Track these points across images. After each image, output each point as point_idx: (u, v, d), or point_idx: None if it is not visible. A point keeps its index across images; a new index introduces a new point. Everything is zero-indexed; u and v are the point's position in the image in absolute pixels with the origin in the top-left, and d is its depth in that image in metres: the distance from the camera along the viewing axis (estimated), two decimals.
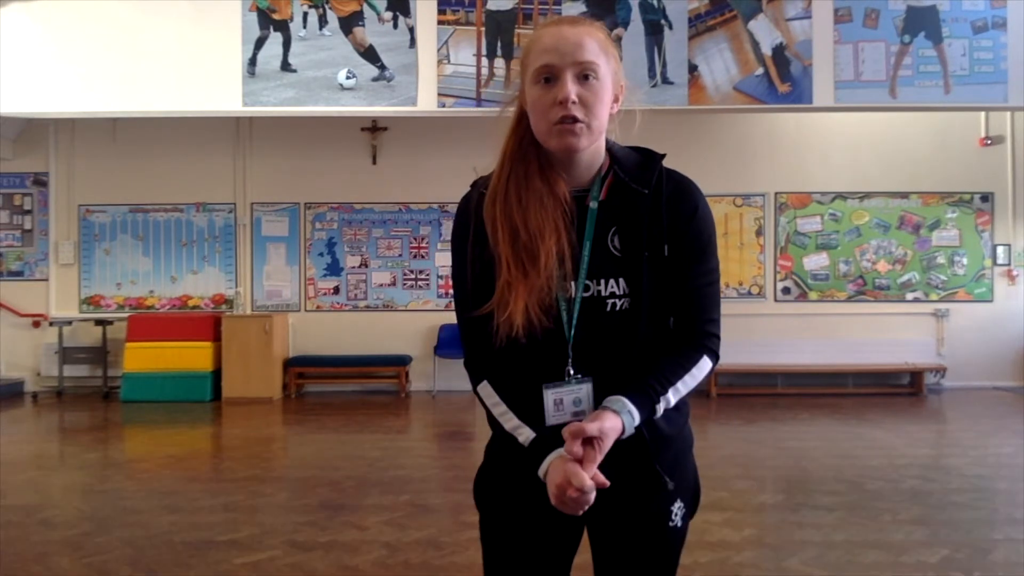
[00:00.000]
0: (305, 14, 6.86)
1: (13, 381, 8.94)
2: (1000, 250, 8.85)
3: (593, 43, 1.34)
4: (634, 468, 1.42)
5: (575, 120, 1.32)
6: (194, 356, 8.32)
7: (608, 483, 1.29)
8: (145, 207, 9.06)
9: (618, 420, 1.31)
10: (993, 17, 6.80)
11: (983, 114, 8.67)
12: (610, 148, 1.45)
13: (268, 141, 9.00)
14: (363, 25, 6.85)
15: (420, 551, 3.65)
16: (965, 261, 8.87)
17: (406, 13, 6.85)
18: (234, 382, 8.28)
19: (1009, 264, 8.86)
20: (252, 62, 6.84)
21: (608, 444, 1.30)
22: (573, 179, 1.41)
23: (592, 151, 1.40)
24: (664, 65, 6.77)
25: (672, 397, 1.39)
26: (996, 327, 8.79)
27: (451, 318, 9.54)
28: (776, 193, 8.93)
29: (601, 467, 1.31)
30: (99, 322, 8.65)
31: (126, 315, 8.69)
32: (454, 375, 8.62)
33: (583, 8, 6.75)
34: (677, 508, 1.48)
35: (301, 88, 6.85)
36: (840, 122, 8.78)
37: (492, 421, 1.46)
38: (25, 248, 9.08)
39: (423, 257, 8.97)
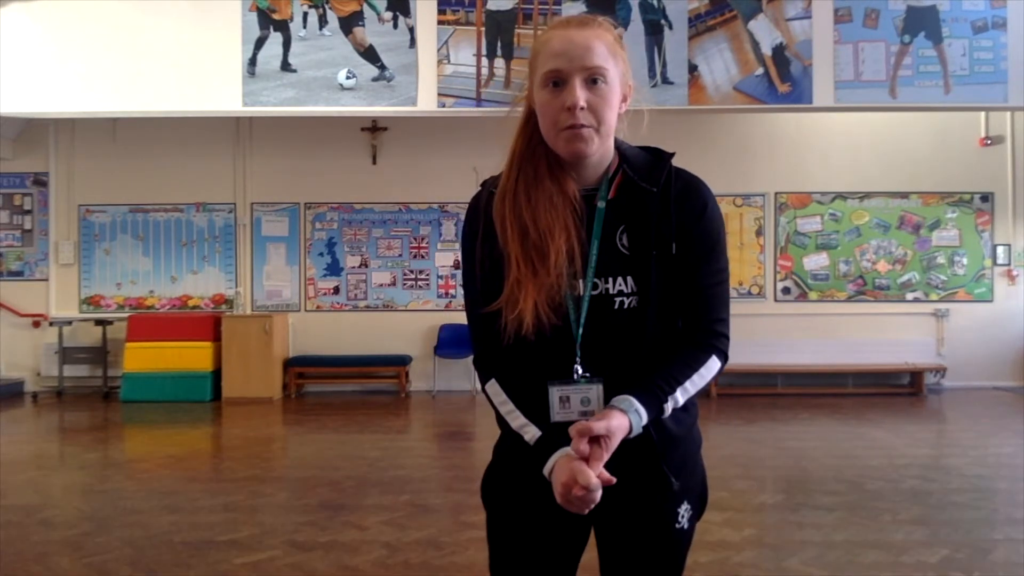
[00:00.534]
0: (305, 14, 6.86)
1: (13, 381, 8.94)
2: (1000, 250, 8.85)
3: (602, 46, 1.35)
4: (641, 468, 1.42)
5: (583, 126, 1.34)
6: (194, 356, 8.32)
7: (614, 480, 1.28)
8: (145, 207, 9.06)
9: (625, 419, 1.31)
10: (993, 17, 6.80)
11: (983, 114, 8.67)
12: (619, 147, 1.45)
13: (268, 141, 9.00)
14: (363, 25, 6.85)
15: (420, 551, 3.65)
16: (965, 261, 8.87)
17: (406, 13, 6.85)
18: (234, 382, 8.28)
19: (1009, 264, 8.86)
20: (252, 62, 6.84)
21: (615, 443, 1.30)
22: (582, 178, 1.42)
23: (601, 152, 1.40)
24: (664, 65, 6.77)
25: (680, 397, 1.38)
26: (996, 327, 8.79)
27: (451, 318, 9.61)
28: (776, 193, 8.93)
29: (608, 467, 1.30)
30: (99, 322, 8.65)
31: (126, 315, 8.69)
32: (454, 375, 8.62)
33: (583, 8, 6.74)
34: (684, 510, 1.47)
35: (301, 88, 6.85)
36: (840, 122, 8.78)
37: (500, 419, 1.46)
38: (25, 248, 9.08)
39: (423, 257, 8.97)
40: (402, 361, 8.67)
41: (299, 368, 8.74)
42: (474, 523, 3.91)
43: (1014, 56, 6.77)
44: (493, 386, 1.45)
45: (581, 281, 1.38)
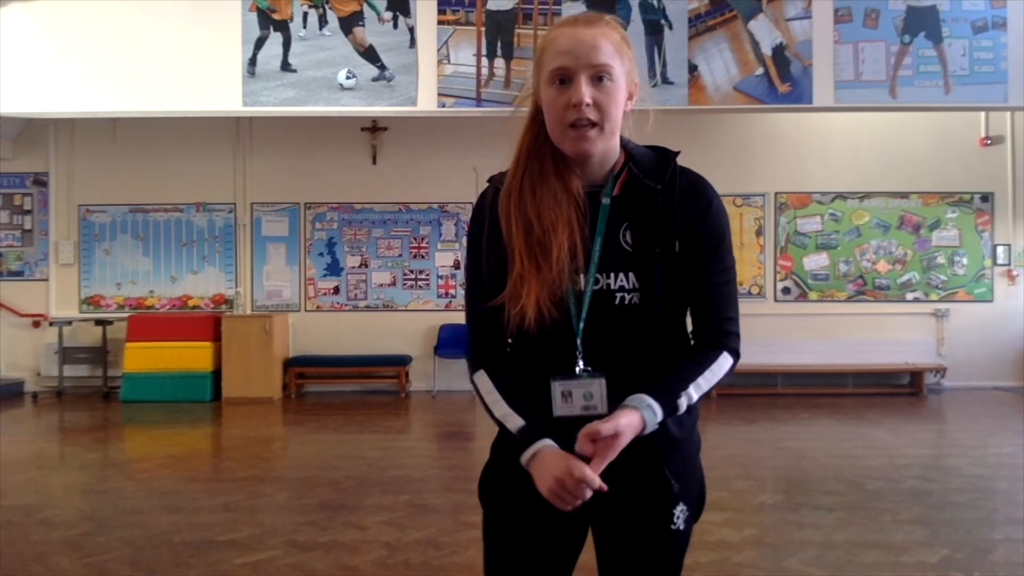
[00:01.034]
0: (305, 14, 6.86)
1: (13, 381, 8.94)
2: (1000, 250, 8.85)
3: (608, 44, 1.36)
4: (642, 470, 1.41)
5: (590, 124, 1.34)
6: (194, 356, 8.32)
7: (606, 488, 1.28)
8: (145, 207, 9.06)
9: (636, 415, 1.30)
10: (993, 17, 6.80)
11: (983, 114, 8.67)
12: (625, 145, 1.46)
13: (268, 141, 9.00)
14: (363, 25, 6.85)
15: (420, 551, 3.65)
16: (965, 261, 8.87)
17: (406, 13, 6.85)
18: (234, 382, 8.28)
19: (1009, 264, 8.86)
20: (252, 62, 6.84)
21: (624, 441, 1.29)
22: (587, 176, 1.42)
23: (606, 149, 1.41)
24: (664, 65, 6.77)
25: (694, 393, 1.38)
26: (996, 327, 8.79)
27: (451, 318, 9.61)
28: (776, 193, 8.93)
29: (609, 467, 1.30)
30: (99, 322, 8.65)
31: (126, 315, 8.69)
32: (454, 375, 8.62)
33: (583, 8, 6.74)
34: (679, 511, 1.47)
35: (301, 88, 6.85)
36: (840, 122, 8.78)
37: (486, 410, 1.46)
38: (25, 248, 9.08)
39: (423, 257, 8.97)
40: (402, 361, 8.67)
41: (299, 368, 8.74)
42: (474, 523, 3.90)
43: (1014, 56, 6.77)
44: (481, 376, 1.46)
45: (583, 276, 1.38)
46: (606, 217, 1.40)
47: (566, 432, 1.35)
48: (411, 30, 6.85)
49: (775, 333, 8.77)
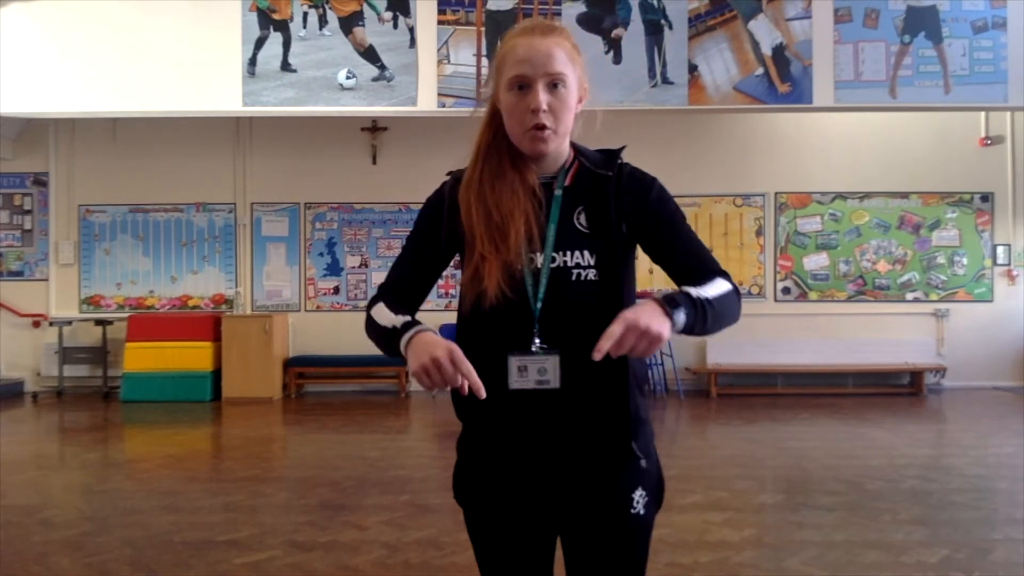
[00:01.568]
0: (305, 14, 6.86)
1: (13, 381, 8.94)
2: (1000, 250, 8.85)
3: (562, 53, 1.47)
4: (610, 445, 1.49)
5: (544, 127, 1.46)
6: (194, 356, 8.32)
7: (483, 392, 1.32)
8: (145, 207, 9.06)
9: (650, 303, 1.32)
10: (993, 17, 6.80)
11: (983, 114, 8.67)
12: (573, 145, 1.58)
13: (268, 141, 9.00)
14: (363, 25, 6.85)
15: (420, 551, 3.65)
16: (965, 261, 8.87)
17: (406, 13, 6.85)
18: (234, 382, 8.28)
19: (1009, 264, 8.86)
20: (252, 62, 6.84)
21: (641, 321, 1.27)
22: (541, 169, 1.54)
23: (558, 148, 1.52)
24: (664, 65, 6.77)
25: (708, 294, 1.40)
26: (996, 327, 8.79)
27: (451, 318, 9.65)
28: (776, 193, 8.93)
29: (579, 443, 1.45)
30: (99, 322, 8.65)
31: (126, 315, 8.69)
32: None
33: (583, 8, 6.75)
34: (639, 495, 1.52)
35: (301, 88, 6.85)
36: (840, 122, 8.78)
37: (374, 333, 1.52)
38: (25, 248, 9.09)
39: None
40: (402, 361, 8.63)
41: (299, 368, 8.74)
42: None
43: (1014, 56, 6.77)
44: (379, 306, 1.56)
45: (539, 255, 1.47)
46: (559, 205, 1.51)
47: (520, 404, 1.45)
48: (411, 30, 6.85)
49: (775, 333, 8.77)
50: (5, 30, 6.84)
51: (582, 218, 1.50)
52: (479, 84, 6.81)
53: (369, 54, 6.85)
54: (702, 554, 3.56)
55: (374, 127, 8.91)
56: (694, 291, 1.39)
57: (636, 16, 6.76)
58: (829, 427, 6.75)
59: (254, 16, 6.85)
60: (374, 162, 9.01)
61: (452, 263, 1.63)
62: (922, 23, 6.80)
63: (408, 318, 1.48)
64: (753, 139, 8.91)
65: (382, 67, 6.84)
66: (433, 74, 6.85)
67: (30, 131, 8.96)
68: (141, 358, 8.27)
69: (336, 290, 9.04)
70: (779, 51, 6.81)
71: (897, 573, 3.38)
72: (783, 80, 6.81)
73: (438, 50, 6.84)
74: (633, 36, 6.76)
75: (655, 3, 6.77)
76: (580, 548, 1.53)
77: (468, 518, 1.60)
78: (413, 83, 6.85)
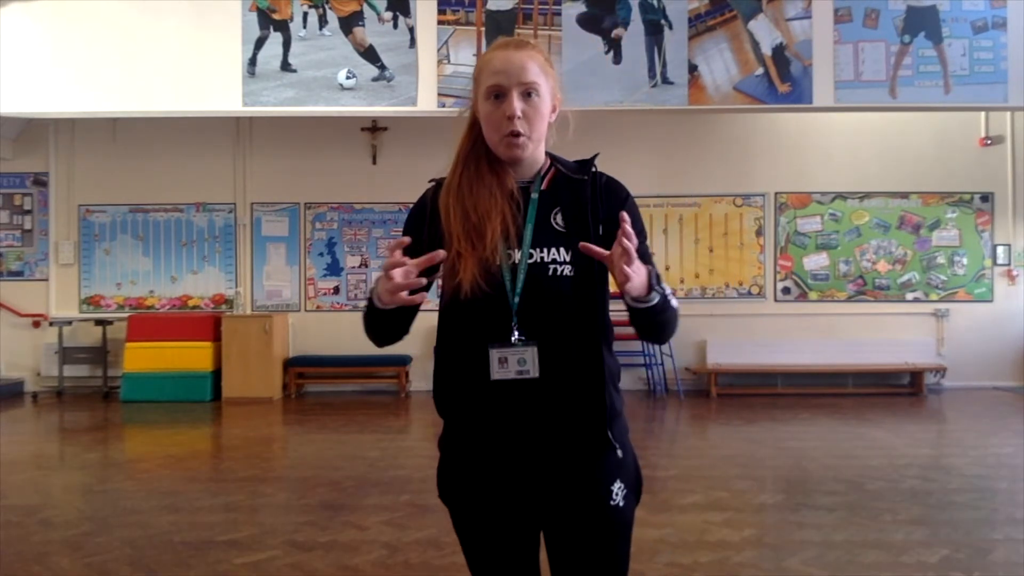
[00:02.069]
0: (305, 14, 6.86)
1: (13, 381, 8.94)
2: (1000, 250, 8.85)
3: (535, 65, 1.56)
4: (587, 434, 1.54)
5: (519, 134, 1.54)
6: (194, 356, 8.32)
7: (420, 282, 1.43)
8: (145, 207, 9.06)
9: (646, 270, 1.46)
10: (993, 17, 6.80)
11: (983, 114, 8.67)
12: (548, 153, 1.67)
13: (268, 141, 9.00)
14: (363, 25, 6.85)
15: (420, 551, 3.65)
16: (965, 261, 8.87)
17: (406, 13, 6.85)
18: (234, 382, 8.28)
19: (1009, 264, 8.86)
20: (252, 62, 6.84)
21: (635, 258, 1.39)
22: (519, 175, 1.62)
23: (534, 154, 1.61)
24: (664, 65, 6.77)
25: (667, 290, 1.52)
26: (996, 327, 8.79)
27: None
28: (776, 193, 8.93)
29: (557, 433, 1.50)
30: (99, 322, 8.65)
31: (126, 315, 8.69)
32: None
33: (583, 8, 6.74)
34: (618, 488, 1.56)
35: (301, 88, 6.85)
36: (840, 122, 8.78)
37: (366, 322, 1.60)
38: (25, 248, 9.09)
39: None
40: (402, 361, 8.67)
41: (299, 368, 8.74)
42: None
43: (1014, 56, 6.77)
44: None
45: (517, 252, 1.54)
46: (535, 208, 1.58)
47: (501, 393, 1.52)
48: (411, 30, 6.85)
49: (775, 333, 8.77)
50: (5, 30, 6.84)
51: (558, 218, 1.58)
52: None
53: (369, 54, 6.85)
54: (702, 554, 3.56)
55: (374, 127, 8.91)
56: (668, 290, 1.52)
57: (636, 16, 6.75)
58: (829, 427, 6.75)
59: (254, 16, 6.85)
60: (374, 162, 9.01)
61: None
62: (922, 23, 6.80)
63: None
64: (753, 139, 8.91)
65: (382, 67, 6.84)
66: (433, 74, 6.84)
67: (30, 131, 8.96)
68: (141, 358, 8.27)
69: (336, 290, 9.04)
70: (779, 51, 6.81)
71: (897, 573, 3.38)
72: (783, 80, 6.81)
73: (438, 50, 6.84)
74: (633, 36, 6.75)
75: (655, 3, 6.77)
76: (562, 542, 1.57)
77: (454, 516, 1.66)
78: (413, 83, 6.85)
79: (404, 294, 1.43)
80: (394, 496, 4.57)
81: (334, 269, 9.04)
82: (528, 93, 1.55)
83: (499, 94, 1.54)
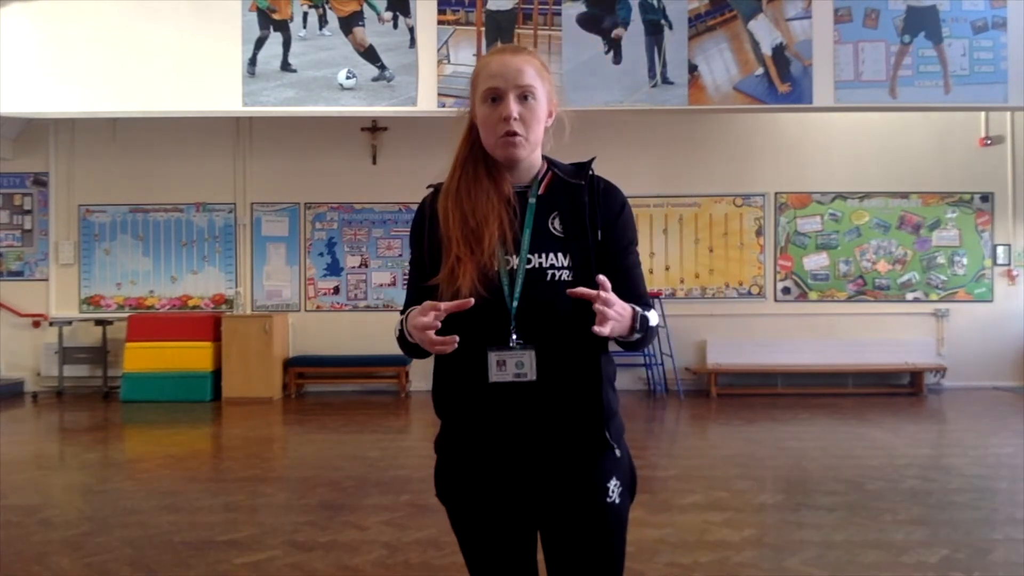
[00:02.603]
0: (305, 14, 6.86)
1: (13, 381, 8.94)
2: (1000, 250, 8.85)
3: (531, 69, 1.58)
4: (583, 433, 1.56)
5: (516, 135, 1.56)
6: (194, 356, 8.32)
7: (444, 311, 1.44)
8: (145, 207, 9.06)
9: (631, 312, 1.50)
10: (993, 17, 6.80)
11: (983, 114, 8.67)
12: (546, 158, 1.68)
13: (268, 141, 9.00)
14: (363, 25, 6.85)
15: (420, 551, 3.65)
16: (965, 261, 8.87)
17: (406, 13, 6.85)
18: (234, 382, 8.28)
19: (1009, 264, 8.86)
20: (252, 62, 6.84)
21: (614, 303, 1.43)
22: (516, 179, 1.63)
23: (530, 158, 1.62)
24: (664, 65, 6.77)
25: (653, 323, 1.57)
26: (996, 327, 8.79)
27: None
28: (776, 193, 8.93)
29: (553, 436, 1.53)
30: (99, 322, 8.65)
31: (126, 315, 8.69)
32: None
33: (583, 8, 6.74)
34: (614, 485, 1.58)
35: (301, 88, 6.85)
36: (840, 122, 8.78)
37: (401, 345, 1.62)
38: (25, 248, 9.09)
39: None
40: (402, 361, 8.67)
41: (299, 368, 8.74)
42: None
43: (1014, 56, 6.77)
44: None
45: (515, 257, 1.56)
46: (533, 212, 1.60)
47: (499, 396, 1.53)
48: (411, 30, 6.85)
49: (775, 333, 8.78)
50: (5, 30, 6.84)
51: (556, 223, 1.60)
52: None
53: (369, 54, 6.85)
54: (702, 554, 3.56)
55: (374, 127, 8.91)
56: (652, 319, 1.56)
57: (636, 16, 6.75)
58: (829, 427, 6.75)
59: (254, 16, 6.85)
60: (374, 162, 9.01)
61: None
62: (922, 23, 6.80)
63: (403, 316, 1.59)
64: (753, 139, 8.90)
65: (382, 67, 6.84)
66: (433, 74, 6.84)
67: (30, 131, 8.96)
68: (141, 358, 8.27)
69: (336, 290, 9.04)
70: (779, 51, 6.81)
71: (897, 573, 3.38)
72: (783, 80, 6.81)
73: (438, 50, 6.84)
74: (633, 36, 6.75)
75: (655, 3, 6.77)
76: (559, 540, 1.59)
77: (451, 516, 1.67)
78: (413, 83, 6.85)
79: (432, 336, 1.45)
80: (394, 496, 4.57)
81: (334, 269, 9.04)
82: (524, 96, 1.56)
83: (496, 97, 1.56)
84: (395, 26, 6.85)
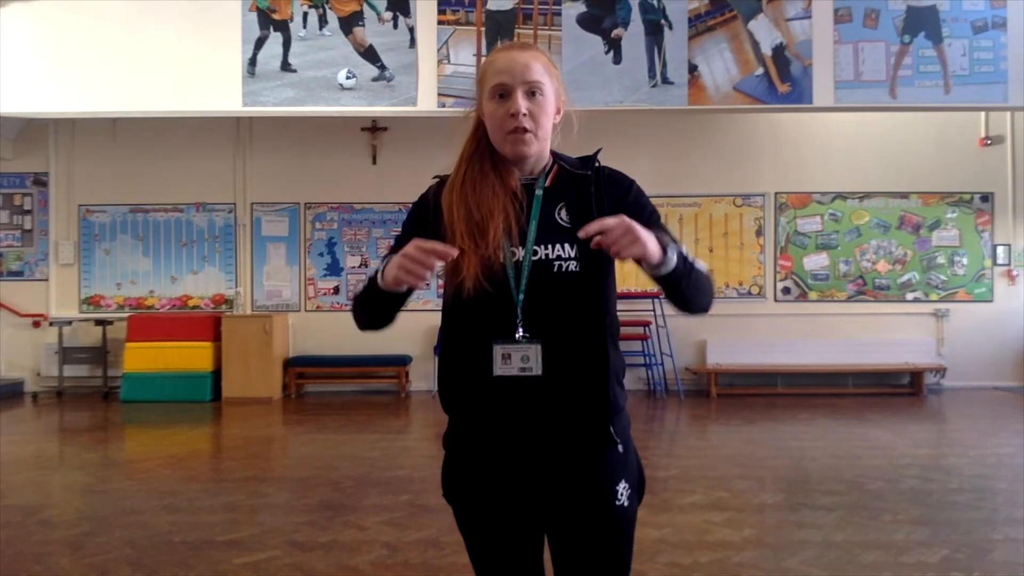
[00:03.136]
0: (305, 14, 6.86)
1: (13, 381, 8.94)
2: (1000, 250, 8.85)
3: (539, 65, 1.57)
4: (590, 430, 1.54)
5: (525, 130, 1.55)
6: (194, 356, 8.32)
7: (455, 252, 1.43)
8: (145, 207, 9.06)
9: (655, 235, 1.44)
10: (993, 17, 6.80)
11: (983, 114, 8.67)
12: (553, 152, 1.67)
13: (268, 141, 9.00)
14: (363, 25, 6.85)
15: (420, 551, 3.65)
16: (965, 261, 8.87)
17: (406, 13, 6.85)
18: (234, 382, 8.28)
19: (1009, 264, 8.86)
20: (252, 62, 6.84)
21: (636, 228, 1.38)
22: (522, 173, 1.62)
23: (538, 153, 1.61)
24: (664, 65, 6.77)
25: (693, 261, 1.54)
26: (996, 327, 8.79)
27: None
28: (776, 193, 8.93)
29: (557, 430, 1.51)
30: (99, 322, 8.65)
31: (126, 315, 8.69)
32: None
33: (583, 8, 6.75)
34: (623, 487, 1.57)
35: (301, 88, 6.85)
36: (840, 122, 8.78)
37: (359, 302, 1.60)
38: (25, 248, 9.09)
39: None
40: (402, 361, 8.67)
41: (299, 368, 8.74)
42: None
43: (1014, 56, 6.77)
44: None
45: (520, 249, 1.54)
46: (540, 204, 1.59)
47: (504, 390, 1.52)
48: (411, 30, 6.85)
49: (775, 333, 8.78)
50: (5, 30, 6.84)
51: (563, 213, 1.58)
52: None
53: (369, 54, 6.85)
54: (702, 554, 3.56)
55: (374, 127, 8.91)
56: (685, 251, 1.51)
57: (636, 16, 6.75)
58: (829, 427, 6.74)
59: (254, 16, 6.85)
60: (374, 162, 9.01)
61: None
62: (922, 23, 6.80)
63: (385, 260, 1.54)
64: (753, 139, 8.90)
65: (382, 67, 6.84)
66: (433, 74, 6.84)
67: (30, 131, 8.96)
68: (141, 358, 8.27)
69: (336, 290, 9.04)
70: (779, 51, 6.81)
71: (897, 573, 3.38)
72: (783, 80, 6.81)
73: (438, 50, 6.84)
74: (633, 36, 6.75)
75: (655, 3, 6.77)
76: (567, 542, 1.57)
77: (458, 516, 1.65)
78: (413, 83, 6.85)
79: (415, 273, 1.42)
80: (394, 496, 4.57)
81: (334, 269, 9.04)
82: (532, 92, 1.55)
83: (504, 93, 1.55)
84: (395, 26, 6.85)
